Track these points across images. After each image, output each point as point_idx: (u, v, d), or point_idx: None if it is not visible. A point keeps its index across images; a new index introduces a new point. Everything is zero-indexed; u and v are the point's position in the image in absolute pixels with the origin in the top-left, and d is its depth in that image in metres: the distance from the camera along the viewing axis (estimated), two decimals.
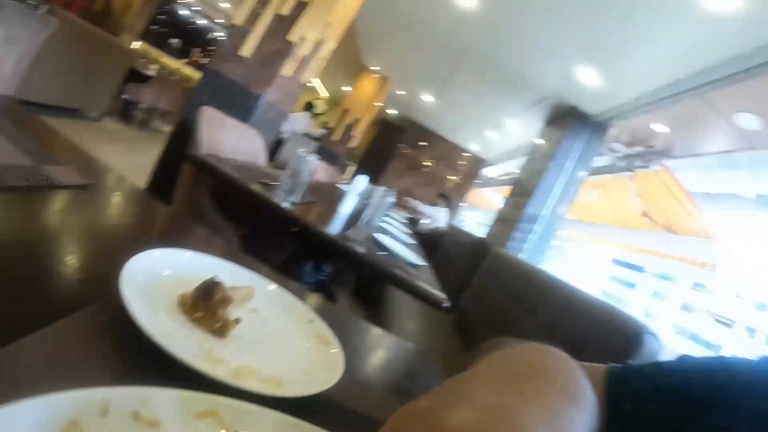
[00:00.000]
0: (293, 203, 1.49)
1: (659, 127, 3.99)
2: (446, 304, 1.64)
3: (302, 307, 0.59)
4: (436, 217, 6.22)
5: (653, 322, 4.69)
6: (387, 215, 3.00)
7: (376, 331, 0.82)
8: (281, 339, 0.53)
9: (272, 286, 0.61)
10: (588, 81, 3.72)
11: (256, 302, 0.54)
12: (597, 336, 1.23)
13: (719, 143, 3.58)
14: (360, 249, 1.52)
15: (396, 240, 2.21)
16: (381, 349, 0.78)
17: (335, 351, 0.52)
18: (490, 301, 2.82)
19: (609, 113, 4.07)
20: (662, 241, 6.20)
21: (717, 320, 4.71)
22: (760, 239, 4.53)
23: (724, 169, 3.73)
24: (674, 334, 4.72)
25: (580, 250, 8.20)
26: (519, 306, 2.27)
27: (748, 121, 2.92)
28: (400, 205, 5.91)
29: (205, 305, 0.46)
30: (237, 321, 0.47)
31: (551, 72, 3.97)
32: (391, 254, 1.79)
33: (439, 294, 1.66)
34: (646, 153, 4.72)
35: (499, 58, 4.25)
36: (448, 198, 6.84)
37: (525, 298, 2.28)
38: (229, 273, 0.55)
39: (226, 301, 0.47)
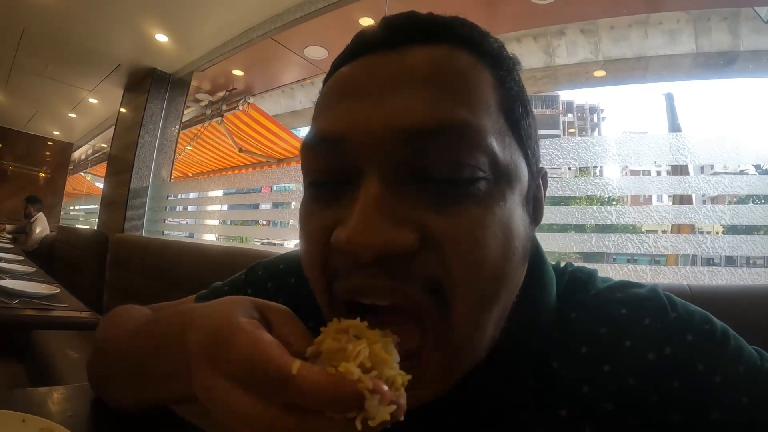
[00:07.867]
0: None
1: (237, 72, 4.16)
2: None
3: None
4: (37, 228, 5.41)
5: None
6: None
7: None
8: None
9: None
10: (162, 41, 3.37)
11: None
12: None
13: (295, 74, 4.07)
14: None
15: (13, 278, 2.04)
16: None
17: None
18: (132, 291, 2.62)
19: (188, 68, 3.91)
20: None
21: None
22: None
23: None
24: None
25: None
26: (163, 282, 2.20)
27: (316, 52, 3.43)
28: None
29: None
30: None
31: (122, 39, 3.40)
32: (13, 296, 1.67)
33: (86, 314, 1.64)
34: (229, 96, 4.90)
35: (65, 32, 3.47)
36: (38, 200, 5.81)
37: (164, 273, 2.21)
38: None
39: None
